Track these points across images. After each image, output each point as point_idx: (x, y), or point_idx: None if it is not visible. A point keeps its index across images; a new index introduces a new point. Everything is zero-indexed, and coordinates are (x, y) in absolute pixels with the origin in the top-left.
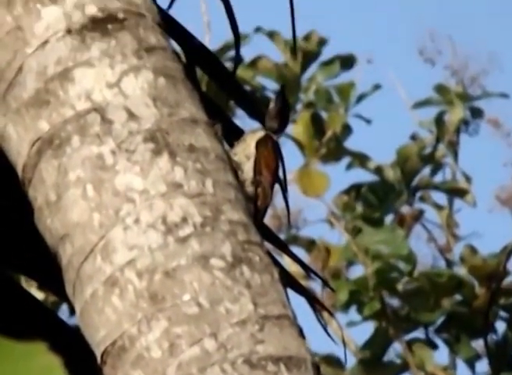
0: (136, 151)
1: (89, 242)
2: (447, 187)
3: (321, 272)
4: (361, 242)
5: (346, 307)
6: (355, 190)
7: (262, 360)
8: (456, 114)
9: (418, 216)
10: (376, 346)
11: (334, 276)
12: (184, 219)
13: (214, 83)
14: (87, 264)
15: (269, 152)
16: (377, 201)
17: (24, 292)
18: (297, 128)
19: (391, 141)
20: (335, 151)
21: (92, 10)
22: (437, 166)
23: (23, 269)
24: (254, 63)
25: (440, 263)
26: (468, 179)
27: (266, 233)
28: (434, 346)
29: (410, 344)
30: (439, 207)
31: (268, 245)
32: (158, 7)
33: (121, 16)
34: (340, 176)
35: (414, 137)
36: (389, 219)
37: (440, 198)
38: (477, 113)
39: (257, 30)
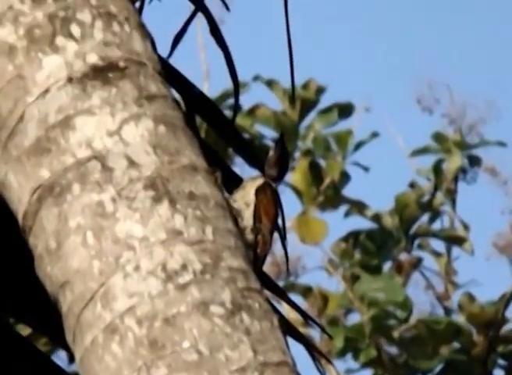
0: (137, 199)
1: (89, 289)
2: (445, 235)
3: (317, 319)
4: (359, 289)
5: (342, 354)
6: (353, 237)
7: None
8: (454, 162)
9: (417, 263)
10: None
11: (331, 323)
12: (184, 267)
13: (213, 131)
14: (87, 311)
15: (268, 200)
16: (375, 248)
17: (22, 339)
18: (295, 176)
19: (389, 189)
20: (333, 198)
21: (93, 59)
22: (435, 214)
23: (23, 317)
24: (252, 111)
25: (438, 311)
26: (466, 227)
27: (265, 281)
28: None
29: None
30: (437, 254)
31: (267, 292)
32: (159, 56)
33: (122, 64)
34: (338, 224)
35: (412, 185)
36: (387, 266)
37: (438, 245)
38: (475, 161)
39: (256, 78)
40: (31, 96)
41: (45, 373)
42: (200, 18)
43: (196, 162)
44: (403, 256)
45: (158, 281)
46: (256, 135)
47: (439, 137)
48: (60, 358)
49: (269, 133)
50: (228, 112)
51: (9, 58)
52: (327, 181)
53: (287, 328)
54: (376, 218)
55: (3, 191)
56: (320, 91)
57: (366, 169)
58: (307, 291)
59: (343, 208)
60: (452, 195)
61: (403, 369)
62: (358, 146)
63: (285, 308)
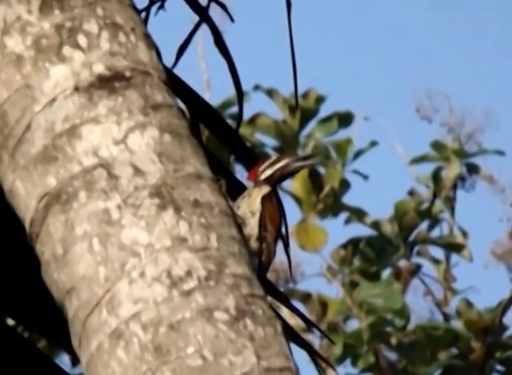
0: (142, 206)
1: (95, 295)
2: (444, 242)
3: (317, 325)
4: (358, 296)
5: (341, 360)
6: (353, 244)
7: None
8: (453, 170)
9: (416, 270)
10: None
11: (330, 330)
12: (189, 273)
13: (217, 139)
14: (93, 317)
15: (274, 208)
16: (374, 255)
17: (27, 343)
18: (295, 183)
19: (388, 196)
20: (332, 206)
21: (99, 68)
22: (434, 221)
23: (28, 322)
24: (253, 120)
25: (437, 317)
26: (465, 234)
27: (268, 287)
28: None
29: None
30: (436, 261)
31: (270, 299)
32: (164, 65)
33: (128, 74)
34: (338, 231)
35: (411, 193)
36: (386, 273)
37: (437, 252)
38: (473, 169)
39: (256, 87)
40: (38, 105)
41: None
42: (200, 28)
43: (201, 170)
44: (403, 263)
45: (163, 287)
46: (256, 144)
47: (437, 146)
48: (63, 362)
49: (270, 142)
50: (229, 121)
51: (17, 67)
52: (327, 189)
53: (290, 334)
54: (375, 225)
55: (11, 199)
56: (320, 100)
57: (365, 177)
58: (306, 298)
59: (343, 216)
60: (451, 203)
61: None
62: (358, 154)
63: (285, 314)
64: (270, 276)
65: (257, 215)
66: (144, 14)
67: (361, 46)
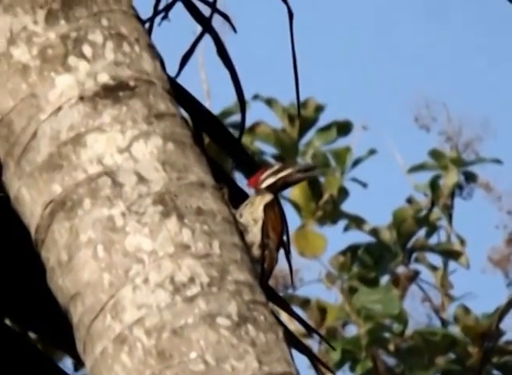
0: (146, 214)
1: (99, 301)
2: (442, 249)
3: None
4: (357, 301)
5: (339, 365)
6: (352, 251)
7: None
8: (451, 178)
9: (414, 276)
10: None
11: (329, 335)
12: (191, 279)
13: (219, 148)
14: (97, 322)
15: (276, 216)
16: (373, 261)
17: (32, 348)
18: (295, 191)
19: (387, 204)
20: (331, 213)
21: (104, 78)
22: (432, 229)
23: (33, 327)
24: (252, 129)
25: (435, 322)
26: (462, 241)
27: (270, 293)
28: None
29: None
30: (433, 268)
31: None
32: (167, 75)
33: (132, 83)
34: (337, 238)
35: (409, 200)
36: (385, 279)
37: (435, 259)
38: (470, 178)
39: (255, 97)
40: (44, 114)
41: None
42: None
43: (203, 178)
44: (401, 269)
45: (167, 293)
46: (256, 152)
47: (435, 154)
48: (65, 366)
49: (269, 150)
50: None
51: (23, 77)
52: (326, 196)
53: (290, 339)
54: (374, 232)
55: (17, 206)
56: (319, 109)
57: (364, 184)
58: (305, 304)
59: (342, 223)
60: (448, 210)
61: None
62: (356, 163)
63: (284, 320)
64: (269, 282)
65: (260, 222)
66: (147, 24)
67: (360, 56)
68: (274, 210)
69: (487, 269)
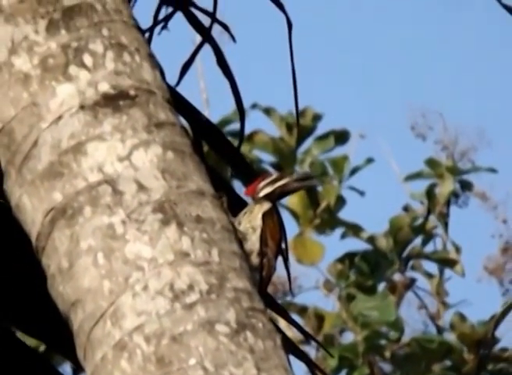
0: (146, 221)
1: (99, 308)
2: (438, 257)
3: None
4: (354, 308)
5: (336, 372)
6: (349, 258)
7: None
8: (447, 187)
9: (410, 284)
10: None
11: (326, 342)
12: (191, 287)
13: (218, 157)
14: (98, 329)
15: (275, 224)
16: (370, 269)
17: (32, 353)
18: (293, 199)
19: (384, 212)
20: (329, 221)
21: (104, 87)
22: (428, 237)
23: (33, 331)
24: (250, 137)
25: (431, 329)
26: (458, 249)
27: (268, 301)
28: None
29: None
30: (429, 276)
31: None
32: (167, 84)
33: (132, 93)
34: (334, 245)
35: (406, 209)
36: (381, 286)
37: (431, 267)
38: (466, 186)
39: (254, 106)
40: (45, 122)
41: None
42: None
43: (203, 187)
44: (397, 277)
45: (166, 301)
46: (254, 160)
47: (432, 163)
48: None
49: (267, 158)
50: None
51: (24, 86)
52: (323, 204)
53: (288, 346)
54: (371, 240)
55: (18, 213)
56: (317, 118)
57: (361, 193)
58: (302, 311)
59: (339, 231)
60: (444, 219)
61: None
62: (354, 171)
63: (282, 326)
64: (268, 289)
65: (259, 230)
66: (147, 34)
67: (357, 65)
68: (272, 218)
69: (482, 277)
